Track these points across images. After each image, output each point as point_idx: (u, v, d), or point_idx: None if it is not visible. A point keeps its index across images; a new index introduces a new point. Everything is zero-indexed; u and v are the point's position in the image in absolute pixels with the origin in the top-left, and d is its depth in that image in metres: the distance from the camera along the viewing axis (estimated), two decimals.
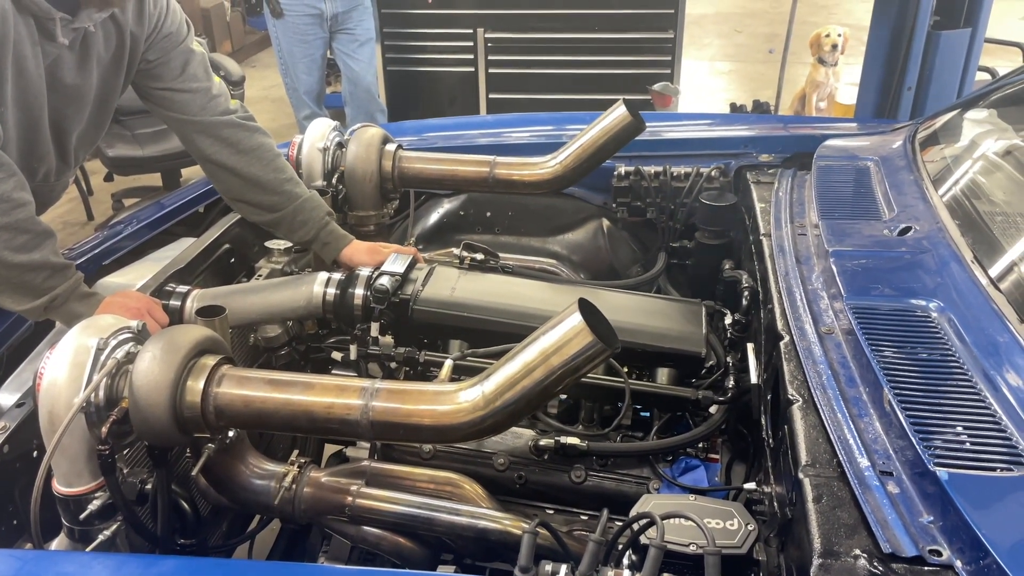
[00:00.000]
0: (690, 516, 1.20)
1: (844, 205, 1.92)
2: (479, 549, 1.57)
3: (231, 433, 1.42)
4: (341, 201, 2.32)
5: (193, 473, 1.40)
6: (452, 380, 1.46)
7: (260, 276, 2.11)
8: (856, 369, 1.37)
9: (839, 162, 2.19)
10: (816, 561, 1.03)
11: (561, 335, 1.17)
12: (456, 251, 2.23)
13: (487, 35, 5.03)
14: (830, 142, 2.33)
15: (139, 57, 1.84)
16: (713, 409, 1.75)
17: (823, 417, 1.27)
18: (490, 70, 5.13)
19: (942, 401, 1.22)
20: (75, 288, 1.65)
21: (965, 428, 1.17)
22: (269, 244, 2.17)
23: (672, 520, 1.25)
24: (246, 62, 8.51)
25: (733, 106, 5.72)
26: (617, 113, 2.14)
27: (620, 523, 1.24)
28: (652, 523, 1.17)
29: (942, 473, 1.08)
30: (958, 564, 1.00)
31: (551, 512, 1.71)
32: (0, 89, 1.57)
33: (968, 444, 1.14)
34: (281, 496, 1.50)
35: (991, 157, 1.93)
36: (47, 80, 1.67)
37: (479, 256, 2.21)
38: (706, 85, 7.59)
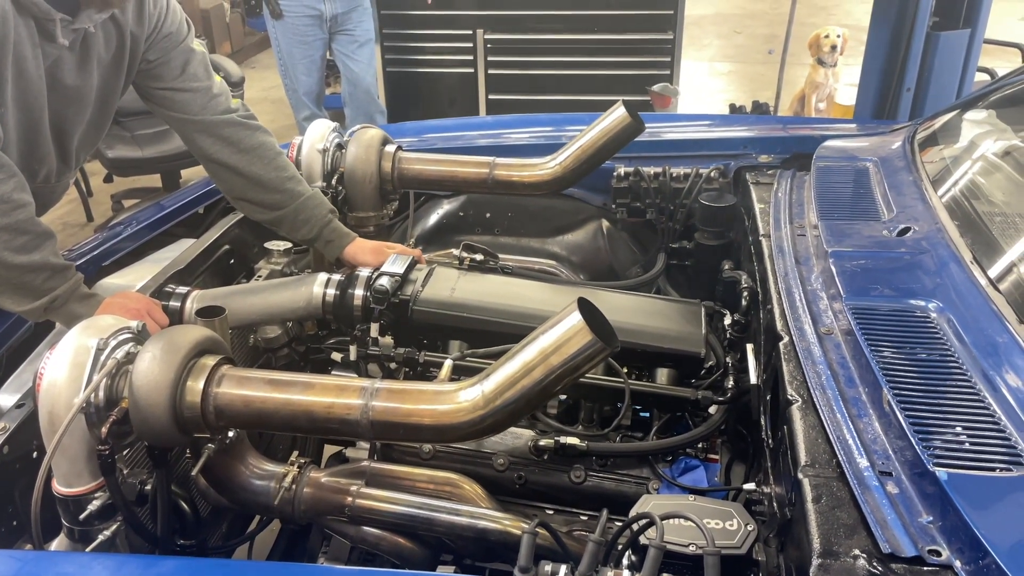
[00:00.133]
0: (689, 516, 1.20)
1: (843, 206, 1.92)
2: (479, 549, 1.57)
3: (231, 433, 1.42)
4: (341, 202, 2.32)
5: (193, 473, 1.40)
6: (452, 380, 1.46)
7: (260, 277, 2.11)
8: (855, 369, 1.37)
9: (838, 163, 2.19)
10: (815, 561, 1.03)
11: (561, 334, 1.17)
12: (456, 252, 2.23)
13: (486, 36, 5.04)
14: (829, 143, 2.33)
15: (139, 57, 1.85)
16: (712, 409, 1.75)
17: (822, 417, 1.27)
18: (489, 71, 5.13)
19: (941, 401, 1.22)
20: (75, 289, 1.65)
21: (964, 428, 1.17)
22: (268, 245, 2.17)
23: (671, 520, 1.25)
24: (246, 63, 8.51)
25: (732, 107, 5.72)
26: (616, 114, 2.14)
27: (620, 523, 1.24)
28: (652, 523, 1.17)
29: (941, 473, 1.09)
30: (957, 564, 1.00)
31: (551, 512, 1.71)
32: (0, 90, 1.57)
33: (967, 444, 1.14)
34: (281, 496, 1.50)
35: (990, 158, 1.93)
36: (47, 81, 1.67)
37: (479, 257, 2.22)
38: (705, 86, 7.59)
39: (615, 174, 2.51)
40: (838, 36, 5.43)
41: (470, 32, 5.05)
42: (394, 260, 2.00)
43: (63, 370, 1.28)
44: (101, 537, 1.33)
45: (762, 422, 1.54)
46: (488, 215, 2.68)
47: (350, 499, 1.54)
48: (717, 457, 1.76)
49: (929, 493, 1.10)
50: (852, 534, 1.07)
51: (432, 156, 2.38)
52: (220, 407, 1.28)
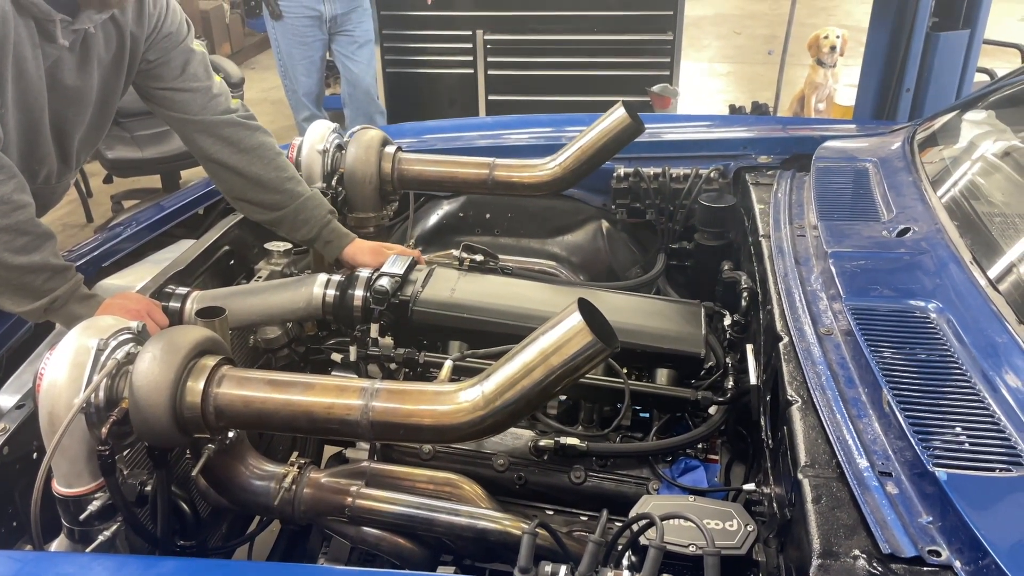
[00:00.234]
0: (689, 517, 1.20)
1: (843, 206, 1.92)
2: (479, 550, 1.57)
3: (231, 434, 1.42)
4: (341, 203, 2.32)
5: (193, 474, 1.40)
6: (452, 381, 1.46)
7: (260, 278, 2.11)
8: (855, 370, 1.37)
9: (838, 163, 2.19)
10: (815, 562, 1.03)
11: (561, 335, 1.17)
12: (455, 252, 2.23)
13: (486, 37, 5.04)
14: (829, 143, 2.33)
15: (139, 57, 1.85)
16: (712, 410, 1.75)
17: (822, 418, 1.27)
18: (489, 72, 5.13)
19: (941, 402, 1.23)
20: (75, 290, 1.65)
21: (964, 429, 1.17)
22: (268, 246, 2.17)
23: (671, 521, 1.25)
24: (245, 64, 8.52)
25: (732, 108, 5.72)
26: (616, 115, 2.14)
27: (620, 524, 1.24)
28: (651, 524, 1.17)
29: (941, 473, 1.09)
30: (957, 564, 1.00)
31: (551, 513, 1.71)
32: (0, 91, 1.57)
33: (967, 445, 1.14)
34: (281, 497, 1.51)
35: (990, 158, 1.93)
36: (48, 82, 1.67)
37: (478, 257, 2.22)
38: (705, 87, 7.60)
39: (615, 175, 2.51)
40: (837, 37, 5.43)
41: (470, 33, 5.05)
42: (394, 261, 2.00)
43: (63, 371, 1.28)
44: (101, 538, 1.33)
45: (762, 423, 1.54)
46: (488, 216, 2.68)
47: (350, 500, 1.54)
48: (717, 457, 1.76)
49: (929, 493, 1.10)
50: (852, 534, 1.07)
51: (432, 157, 2.39)
52: (220, 408, 1.28)
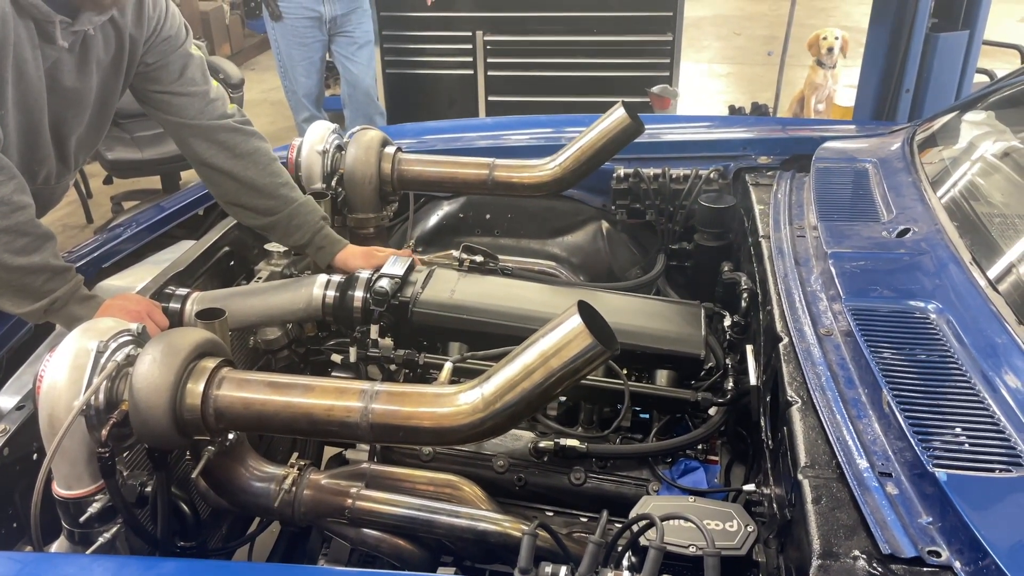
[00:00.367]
0: (689, 518, 1.20)
1: (843, 207, 1.92)
2: (479, 551, 1.57)
3: (231, 436, 1.42)
4: (341, 204, 2.32)
5: (193, 476, 1.40)
6: (452, 382, 1.46)
7: (260, 279, 2.11)
8: (855, 370, 1.37)
9: (838, 164, 2.19)
10: (815, 562, 1.03)
11: (560, 337, 1.17)
12: (455, 253, 2.23)
13: (486, 38, 5.04)
14: (828, 144, 2.33)
15: (138, 60, 1.85)
16: (712, 411, 1.75)
17: (822, 418, 1.27)
18: (489, 72, 5.13)
19: (941, 402, 1.23)
20: (75, 291, 1.65)
21: (964, 429, 1.17)
22: (268, 247, 2.17)
23: (671, 522, 1.25)
24: (245, 65, 8.52)
25: (732, 108, 5.73)
26: (616, 115, 2.14)
27: (620, 525, 1.24)
28: (652, 525, 1.17)
29: (941, 474, 1.09)
30: (957, 565, 1.00)
31: (551, 514, 1.71)
32: (1, 92, 1.57)
33: (967, 445, 1.14)
34: (281, 498, 1.51)
35: (989, 159, 1.93)
36: (47, 83, 1.67)
37: (478, 258, 2.22)
38: (705, 87, 7.60)
39: (615, 175, 2.51)
40: (836, 38, 5.43)
41: (470, 34, 5.06)
42: (393, 262, 2.00)
43: (63, 372, 1.28)
44: (101, 539, 1.33)
45: (762, 423, 1.54)
46: (488, 216, 2.68)
47: (350, 501, 1.54)
48: (717, 458, 1.76)
49: (929, 494, 1.10)
50: (852, 535, 1.07)
51: (432, 157, 2.39)
52: (220, 409, 1.28)
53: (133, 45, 1.81)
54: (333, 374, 1.96)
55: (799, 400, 1.34)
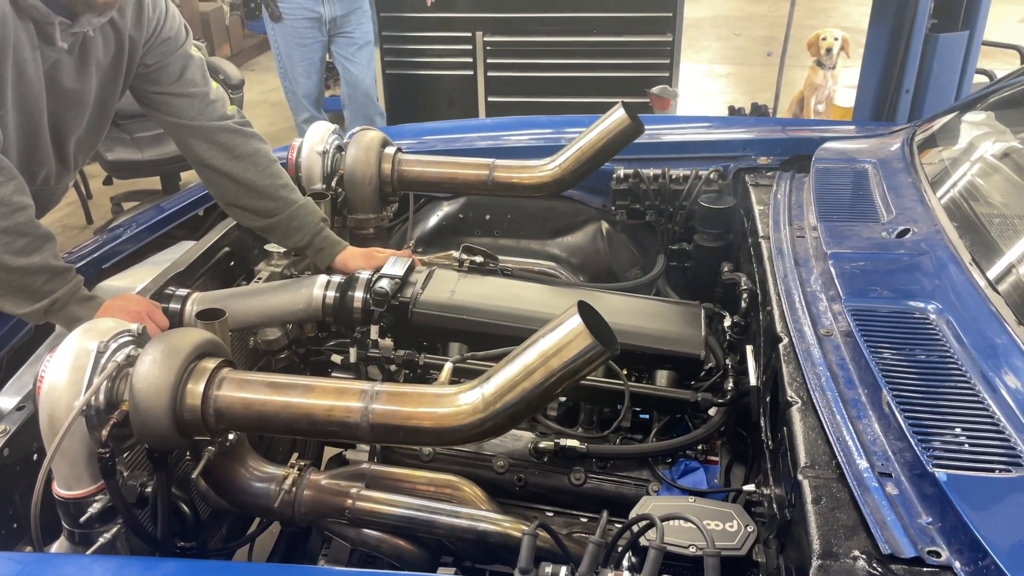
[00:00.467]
0: (689, 518, 1.21)
1: (842, 207, 1.92)
2: (479, 551, 1.57)
3: (231, 436, 1.42)
4: (341, 204, 2.32)
5: (193, 476, 1.40)
6: (452, 383, 1.46)
7: (260, 279, 2.12)
8: (855, 371, 1.37)
9: (837, 165, 2.20)
10: (815, 562, 1.03)
11: (560, 337, 1.17)
12: (455, 254, 2.23)
13: (486, 38, 5.04)
14: (828, 145, 2.33)
15: (138, 61, 1.85)
16: (712, 411, 1.75)
17: (822, 419, 1.27)
18: (489, 73, 5.13)
19: (940, 403, 1.23)
20: (75, 291, 1.65)
21: (963, 429, 1.17)
22: (268, 248, 2.17)
23: (671, 522, 1.25)
24: (245, 66, 8.52)
25: (731, 109, 5.73)
26: (616, 116, 2.14)
27: (620, 525, 1.25)
28: (652, 525, 1.17)
29: (940, 474, 1.09)
30: (957, 565, 1.00)
31: (551, 514, 1.71)
32: (0, 93, 1.57)
33: (966, 445, 1.14)
34: (281, 499, 1.51)
35: (989, 159, 1.93)
36: (46, 84, 1.67)
37: (478, 259, 2.22)
38: (704, 88, 7.60)
39: (614, 176, 2.51)
40: (836, 39, 5.43)
41: (469, 34, 5.06)
42: (393, 262, 2.01)
43: (63, 373, 1.28)
44: (101, 540, 1.33)
45: (762, 424, 1.54)
46: (488, 217, 2.68)
47: (350, 501, 1.54)
48: (717, 459, 1.76)
49: (928, 494, 1.10)
50: (852, 535, 1.07)
51: (432, 158, 2.39)
52: (220, 410, 1.29)
53: (133, 46, 1.81)
54: (333, 375, 1.96)
55: (799, 400, 1.34)
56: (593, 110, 2.53)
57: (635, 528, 1.24)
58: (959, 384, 1.26)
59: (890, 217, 1.80)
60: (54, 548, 1.37)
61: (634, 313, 1.95)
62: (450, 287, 1.99)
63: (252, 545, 1.85)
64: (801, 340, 1.48)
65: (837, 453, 1.20)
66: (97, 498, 1.33)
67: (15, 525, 1.48)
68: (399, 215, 2.60)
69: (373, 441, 1.60)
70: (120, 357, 1.30)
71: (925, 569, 1.01)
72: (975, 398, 1.23)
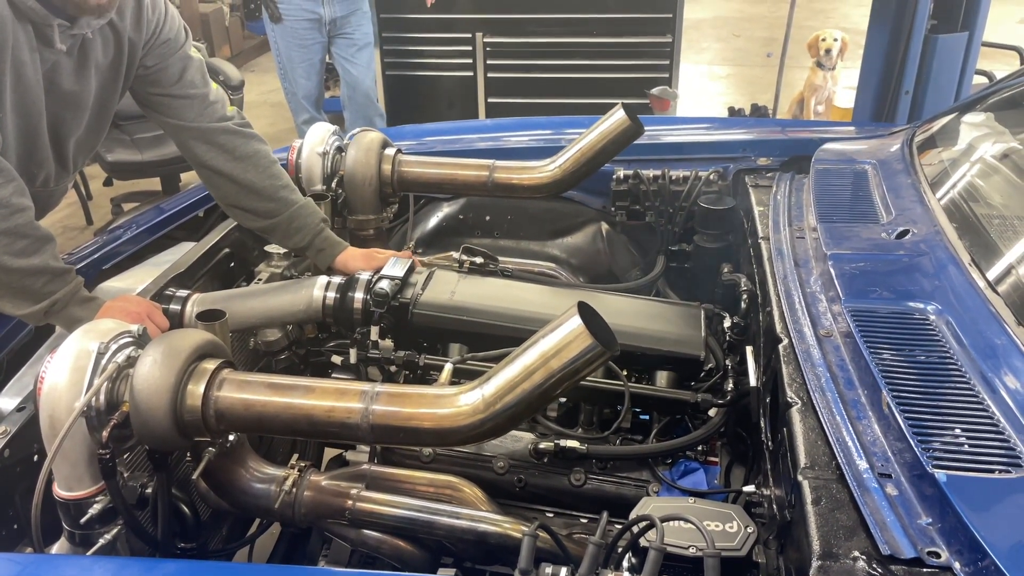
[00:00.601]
0: (689, 519, 1.21)
1: (842, 208, 1.92)
2: (479, 552, 1.57)
3: (231, 437, 1.42)
4: (341, 205, 2.32)
5: (193, 477, 1.40)
6: (452, 383, 1.46)
7: (260, 280, 2.12)
8: (855, 372, 1.38)
9: (837, 166, 2.20)
10: (815, 563, 1.03)
11: (560, 338, 1.17)
12: (455, 255, 2.23)
13: (486, 39, 5.04)
14: (828, 146, 2.33)
15: (137, 63, 1.85)
16: (712, 412, 1.75)
17: (822, 419, 1.27)
18: (489, 74, 5.13)
19: (940, 403, 1.23)
20: (75, 292, 1.65)
21: (963, 430, 1.17)
22: (269, 248, 2.17)
23: (671, 523, 1.25)
24: (245, 67, 8.52)
25: (731, 110, 5.74)
26: (616, 117, 2.14)
27: (620, 526, 1.25)
28: (652, 526, 1.17)
29: (940, 475, 1.09)
30: (956, 566, 1.00)
31: (551, 515, 1.71)
32: None
33: (966, 446, 1.14)
34: (281, 500, 1.51)
35: (989, 160, 1.93)
36: (45, 86, 1.67)
37: (478, 260, 2.22)
38: (704, 89, 7.60)
39: (614, 177, 2.51)
40: (835, 40, 5.43)
41: (469, 36, 5.06)
42: (393, 263, 2.01)
43: (64, 374, 1.28)
44: (102, 541, 1.33)
45: (762, 424, 1.54)
46: (488, 218, 2.68)
47: (350, 502, 1.54)
48: (717, 459, 1.76)
49: (928, 495, 1.10)
50: (852, 536, 1.07)
51: (432, 159, 2.39)
52: (221, 411, 1.29)
53: (132, 48, 1.81)
54: (333, 375, 1.96)
55: (799, 401, 1.34)
56: (593, 111, 2.53)
57: (635, 529, 1.24)
58: (959, 385, 1.26)
59: (890, 218, 1.80)
60: (54, 549, 1.37)
61: (634, 314, 1.95)
62: (450, 288, 1.99)
63: (252, 546, 1.85)
64: (801, 341, 1.48)
65: (837, 454, 1.20)
66: (97, 499, 1.33)
67: (15, 526, 1.48)
68: (399, 216, 2.60)
69: (373, 442, 1.60)
70: (120, 358, 1.31)
71: (925, 570, 1.01)
72: (975, 399, 1.23)
